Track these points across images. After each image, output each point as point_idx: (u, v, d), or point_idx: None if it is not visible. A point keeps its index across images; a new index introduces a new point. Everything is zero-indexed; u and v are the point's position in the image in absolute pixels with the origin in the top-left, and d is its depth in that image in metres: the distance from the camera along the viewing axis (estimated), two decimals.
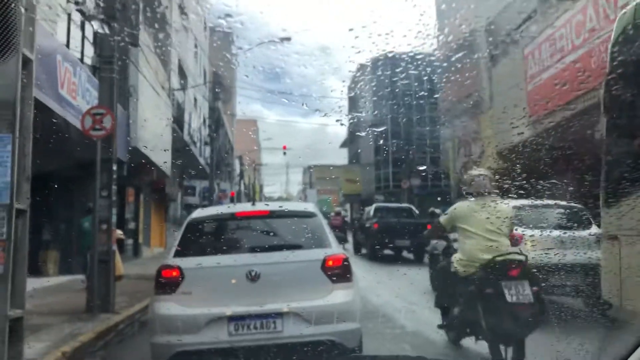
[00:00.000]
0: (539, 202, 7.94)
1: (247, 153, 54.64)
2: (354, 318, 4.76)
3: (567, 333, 4.33)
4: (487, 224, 5.03)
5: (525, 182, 6.53)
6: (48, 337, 6.55)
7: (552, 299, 6.73)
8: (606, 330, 4.68)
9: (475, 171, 5.43)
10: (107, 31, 8.70)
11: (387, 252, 17.94)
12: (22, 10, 4.94)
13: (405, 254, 18.01)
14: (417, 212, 19.79)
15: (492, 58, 24.28)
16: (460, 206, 5.33)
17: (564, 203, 8.45)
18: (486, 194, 5.17)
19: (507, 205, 5.41)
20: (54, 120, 9.28)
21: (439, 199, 35.65)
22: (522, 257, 4.88)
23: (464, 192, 5.40)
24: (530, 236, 7.61)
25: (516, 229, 7.49)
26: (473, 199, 5.24)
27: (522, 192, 6.79)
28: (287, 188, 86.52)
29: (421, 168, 34.90)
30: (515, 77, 18.42)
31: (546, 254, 7.28)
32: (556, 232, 7.68)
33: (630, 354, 1.38)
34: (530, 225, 7.88)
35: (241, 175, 52.85)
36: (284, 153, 50.41)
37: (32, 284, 10.32)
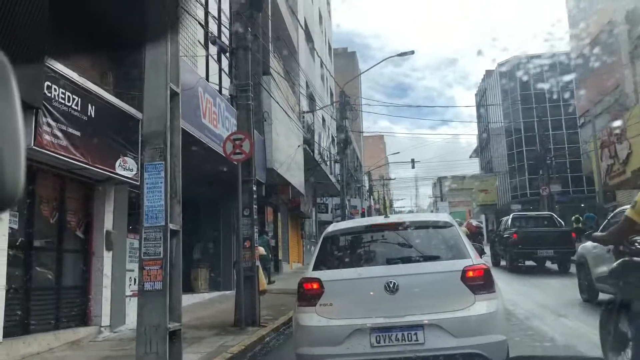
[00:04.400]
0: None
1: (376, 168, 54.84)
2: (499, 330, 4.60)
3: None
4: None
5: None
6: (202, 349, 7.03)
7: None
8: None
9: None
10: (241, 62, 9.31)
11: (529, 263, 17.08)
12: (168, 50, 5.49)
13: (548, 264, 17.02)
14: (559, 220, 18.65)
15: (634, 49, 22.38)
16: None
17: None
18: None
19: None
20: (198, 147, 10.05)
21: (582, 205, 33.22)
22: None
23: None
24: None
25: None
26: None
27: None
28: (417, 201, 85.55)
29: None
30: None
31: None
32: None
33: None
34: None
35: (370, 190, 53.12)
36: (413, 166, 49.90)
37: (185, 300, 11.17)
